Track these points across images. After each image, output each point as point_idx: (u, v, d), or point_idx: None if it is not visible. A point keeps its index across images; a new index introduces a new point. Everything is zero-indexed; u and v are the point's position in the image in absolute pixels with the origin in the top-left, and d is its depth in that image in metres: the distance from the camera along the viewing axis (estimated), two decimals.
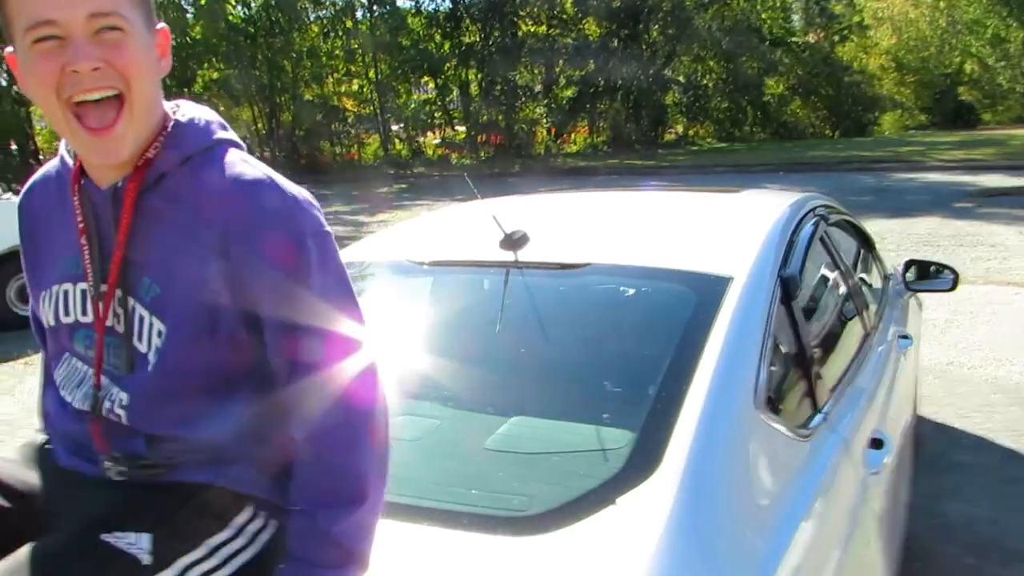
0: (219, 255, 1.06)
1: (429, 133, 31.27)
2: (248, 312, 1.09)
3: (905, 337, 2.82)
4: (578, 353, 1.79)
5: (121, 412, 1.11)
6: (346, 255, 2.21)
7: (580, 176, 20.80)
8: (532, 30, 29.15)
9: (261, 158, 1.16)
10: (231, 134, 1.19)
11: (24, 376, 5.78)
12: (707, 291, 1.71)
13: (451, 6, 28.45)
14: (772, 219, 2.07)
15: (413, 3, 28.95)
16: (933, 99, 36.75)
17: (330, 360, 1.10)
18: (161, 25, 1.11)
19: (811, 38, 33.16)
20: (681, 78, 30.59)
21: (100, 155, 1.06)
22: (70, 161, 1.15)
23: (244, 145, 1.19)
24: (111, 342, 1.12)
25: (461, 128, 30.42)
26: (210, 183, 1.09)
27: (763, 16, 30.81)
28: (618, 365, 1.75)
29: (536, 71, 29.44)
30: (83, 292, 1.14)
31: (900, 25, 35.56)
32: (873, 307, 2.72)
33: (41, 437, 1.30)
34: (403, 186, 22.42)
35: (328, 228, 1.14)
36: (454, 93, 30.50)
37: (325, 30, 28.10)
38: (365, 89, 29.30)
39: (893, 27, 35.66)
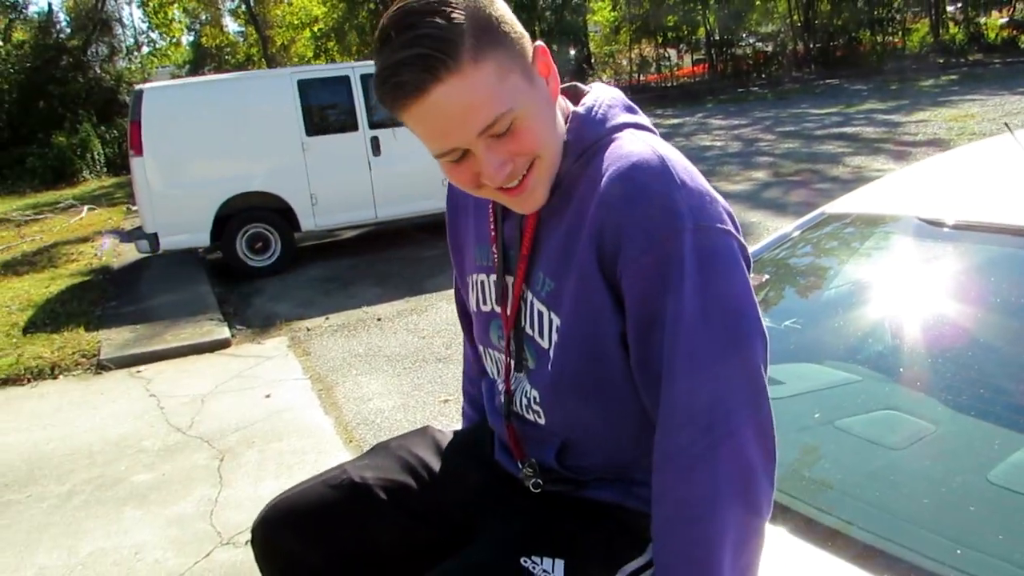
0: (594, 242, 0.96)
1: (994, 12, 26.53)
2: (621, 304, 0.96)
3: None
4: None
5: (539, 409, 1.09)
6: (840, 206, 1.91)
7: None
8: None
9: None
10: (632, 116, 1.05)
11: None
12: None
13: None
14: None
15: None
16: None
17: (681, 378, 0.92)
18: (537, 44, 0.97)
19: None
20: None
21: (519, 208, 1.03)
22: None
23: (648, 127, 1.05)
24: (517, 336, 1.10)
25: None
26: (594, 172, 0.98)
27: None
28: None
29: None
30: (496, 284, 1.13)
31: None
32: None
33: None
34: (952, 77, 19.54)
35: (728, 227, 0.93)
36: None
37: None
38: None
39: None
